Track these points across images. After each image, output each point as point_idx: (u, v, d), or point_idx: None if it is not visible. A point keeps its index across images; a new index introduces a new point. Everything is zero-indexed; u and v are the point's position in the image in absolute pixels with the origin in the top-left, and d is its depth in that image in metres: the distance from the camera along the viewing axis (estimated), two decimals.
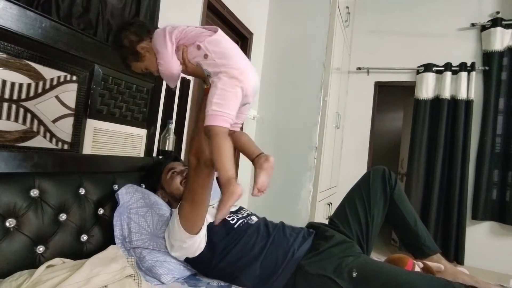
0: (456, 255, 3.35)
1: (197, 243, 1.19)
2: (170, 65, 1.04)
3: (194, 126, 1.14)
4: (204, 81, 1.08)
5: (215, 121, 0.92)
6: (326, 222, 1.57)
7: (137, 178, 1.52)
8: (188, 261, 1.27)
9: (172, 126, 1.87)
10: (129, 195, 1.34)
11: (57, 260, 0.99)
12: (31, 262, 1.02)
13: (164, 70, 1.05)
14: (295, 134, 2.95)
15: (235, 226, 1.26)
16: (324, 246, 1.23)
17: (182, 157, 2.04)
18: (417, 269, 1.25)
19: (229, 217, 1.30)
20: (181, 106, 2.02)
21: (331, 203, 3.39)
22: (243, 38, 2.96)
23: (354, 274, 1.10)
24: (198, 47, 1.01)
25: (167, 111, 1.89)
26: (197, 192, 1.12)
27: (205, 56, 1.00)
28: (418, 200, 3.57)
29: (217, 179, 0.95)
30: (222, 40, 1.03)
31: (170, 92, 1.90)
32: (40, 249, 1.05)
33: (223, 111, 0.92)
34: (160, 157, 1.77)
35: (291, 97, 3.07)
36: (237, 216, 1.32)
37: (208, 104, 0.93)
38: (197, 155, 1.07)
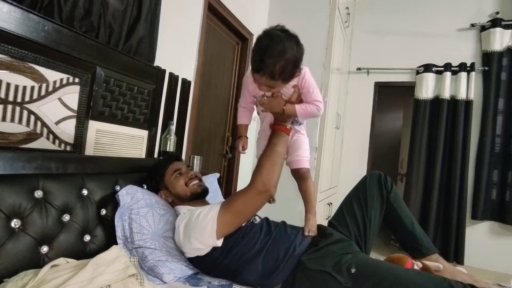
0: (456, 254, 3.36)
1: (214, 240, 1.22)
2: (322, 104, 1.23)
3: (268, 154, 1.22)
4: (279, 120, 1.27)
5: (308, 164, 1.37)
6: (327, 222, 1.59)
7: (139, 179, 1.53)
8: (191, 260, 1.29)
9: (173, 127, 1.89)
10: (130, 196, 1.36)
11: (61, 260, 1.00)
12: (36, 262, 1.03)
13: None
14: None
15: (242, 226, 1.28)
16: (324, 243, 1.26)
17: (183, 157, 2.06)
18: (416, 268, 1.27)
19: None
20: (182, 107, 2.04)
21: (331, 203, 3.40)
22: (243, 39, 2.97)
23: (353, 270, 1.12)
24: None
25: (168, 113, 1.91)
26: (247, 211, 1.23)
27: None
28: (418, 200, 3.59)
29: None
30: None
31: (171, 92, 1.92)
32: (44, 249, 1.07)
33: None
34: (161, 157, 1.78)
35: None
36: None
37: (302, 149, 1.36)
38: (266, 183, 1.17)
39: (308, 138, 1.39)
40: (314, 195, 1.39)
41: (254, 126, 3.18)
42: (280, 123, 1.25)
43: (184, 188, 1.44)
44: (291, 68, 1.09)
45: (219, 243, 1.21)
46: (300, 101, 1.22)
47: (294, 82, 1.17)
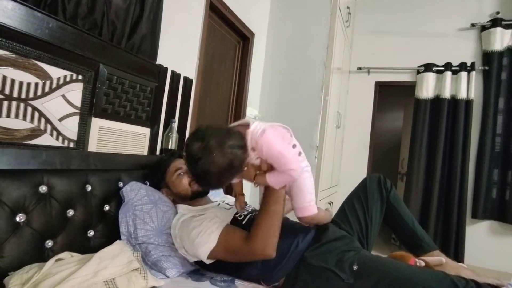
0: (456, 253, 3.37)
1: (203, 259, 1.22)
2: (299, 168, 1.09)
3: (263, 214, 1.15)
4: None
5: (315, 208, 1.19)
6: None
7: (142, 176, 1.55)
8: None
9: (175, 125, 1.90)
10: (134, 192, 1.37)
11: (65, 254, 1.02)
12: (40, 256, 1.04)
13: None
14: (296, 133, 2.91)
15: (243, 223, 1.29)
16: (326, 238, 1.27)
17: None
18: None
19: (240, 217, 1.32)
20: (184, 105, 2.05)
21: (331, 202, 3.41)
22: (244, 38, 2.98)
23: (355, 267, 1.13)
24: (294, 146, 1.11)
25: (170, 111, 1.92)
26: (243, 259, 1.20)
27: (299, 153, 1.13)
28: (419, 199, 3.59)
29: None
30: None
31: (173, 90, 1.93)
32: (49, 243, 1.08)
33: (314, 197, 1.19)
34: (163, 154, 1.79)
35: (292, 97, 3.10)
36: (244, 213, 1.35)
37: (303, 196, 1.16)
38: (264, 247, 1.11)
39: (311, 175, 1.20)
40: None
41: None
42: None
43: (186, 188, 1.44)
44: (229, 175, 1.01)
45: (209, 261, 1.22)
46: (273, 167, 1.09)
47: (256, 154, 1.05)
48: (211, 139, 0.96)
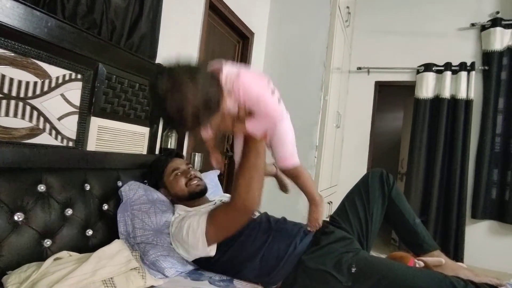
0: (455, 253, 3.37)
1: (207, 251, 1.22)
2: (279, 112, 1.01)
3: (242, 169, 1.10)
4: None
5: (297, 159, 1.13)
6: (327, 220, 1.59)
7: (141, 175, 1.55)
8: None
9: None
10: (132, 192, 1.37)
11: (64, 253, 1.02)
12: (39, 255, 1.04)
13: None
14: (296, 133, 2.94)
15: None
16: (325, 241, 1.25)
17: (184, 154, 2.07)
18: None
19: None
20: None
21: (331, 202, 3.41)
22: (244, 38, 2.98)
23: (353, 270, 1.12)
24: (273, 91, 1.00)
25: None
26: (232, 227, 1.19)
27: (279, 100, 1.03)
28: (418, 199, 3.60)
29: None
30: None
31: None
32: (47, 242, 1.08)
33: (295, 148, 1.13)
34: (162, 154, 1.79)
35: (291, 96, 3.07)
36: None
37: (285, 146, 1.11)
38: (246, 202, 1.08)
39: (290, 124, 1.13)
40: (313, 185, 1.21)
41: None
42: None
43: (182, 189, 1.43)
44: (203, 114, 0.86)
45: (214, 250, 1.22)
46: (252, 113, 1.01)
47: (232, 100, 0.96)
48: (181, 73, 0.84)
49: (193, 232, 1.19)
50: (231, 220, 1.17)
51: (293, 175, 1.18)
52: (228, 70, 0.94)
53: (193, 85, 0.82)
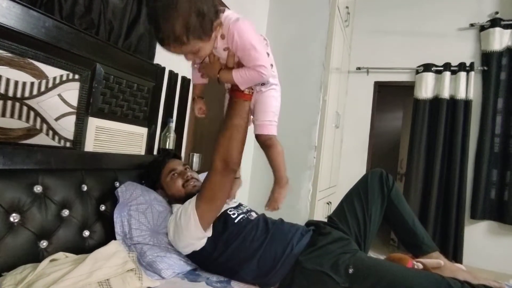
0: (454, 254, 3.36)
1: (205, 238, 1.23)
2: (266, 67, 0.96)
3: (223, 129, 1.10)
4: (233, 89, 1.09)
5: (275, 129, 1.11)
6: (325, 221, 1.59)
7: (138, 175, 1.55)
8: (189, 256, 1.29)
9: (173, 125, 1.89)
10: (129, 192, 1.36)
11: (60, 255, 1.01)
12: (35, 256, 1.04)
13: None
14: (295, 133, 2.96)
15: (236, 221, 1.28)
16: (322, 242, 1.25)
17: (182, 155, 2.06)
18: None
19: (230, 211, 1.32)
20: (181, 105, 2.04)
21: (330, 202, 3.41)
22: None
23: (351, 271, 1.12)
24: (268, 54, 1.00)
25: (167, 110, 1.92)
26: (218, 194, 1.18)
27: (271, 65, 1.01)
28: (417, 199, 3.59)
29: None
30: None
31: (170, 90, 1.92)
32: (44, 244, 1.07)
33: (277, 120, 1.10)
34: (159, 154, 1.79)
35: (290, 97, 3.08)
36: (238, 211, 1.34)
37: (266, 113, 1.09)
38: (226, 160, 1.09)
39: (278, 96, 1.13)
40: (283, 163, 1.16)
41: None
42: (237, 88, 1.05)
43: (179, 190, 1.44)
44: (195, 21, 0.84)
45: (209, 233, 1.22)
46: (241, 65, 1.00)
47: (224, 43, 0.96)
48: None
49: (185, 211, 1.20)
50: (214, 186, 1.15)
51: (266, 144, 1.14)
52: (229, 13, 0.95)
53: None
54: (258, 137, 1.14)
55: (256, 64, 0.95)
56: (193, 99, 1.19)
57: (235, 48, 0.95)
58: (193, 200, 1.20)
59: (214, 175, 1.14)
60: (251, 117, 1.16)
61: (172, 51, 0.92)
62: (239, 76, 0.98)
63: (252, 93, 1.09)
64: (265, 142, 1.14)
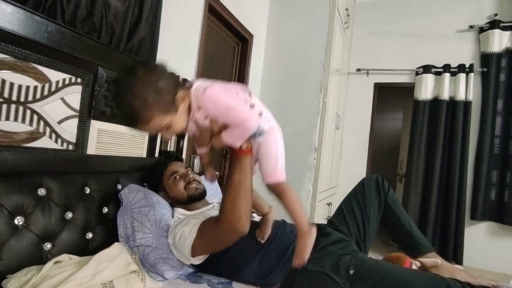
0: (454, 255, 3.37)
1: (190, 261, 1.25)
2: (254, 117, 0.95)
3: (227, 188, 1.07)
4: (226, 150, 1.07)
5: (283, 175, 1.03)
6: (325, 223, 1.61)
7: (140, 178, 1.56)
8: None
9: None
10: (132, 195, 1.37)
11: (64, 257, 1.03)
12: (39, 258, 1.05)
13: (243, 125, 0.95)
14: (295, 135, 2.98)
15: None
16: (323, 243, 1.26)
17: (184, 157, 2.07)
18: (414, 268, 1.28)
19: None
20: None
21: (330, 203, 3.42)
22: (243, 40, 2.99)
23: (351, 272, 1.13)
24: (252, 106, 0.98)
25: None
26: (219, 246, 1.19)
27: (260, 114, 0.99)
28: (417, 200, 3.60)
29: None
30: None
31: None
32: (48, 246, 1.08)
33: (284, 164, 1.03)
34: (161, 157, 1.80)
35: (291, 98, 3.10)
36: None
37: (268, 160, 1.02)
38: (232, 222, 1.05)
39: (279, 139, 1.06)
40: (300, 210, 1.07)
41: None
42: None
43: (182, 192, 1.44)
44: (152, 99, 0.86)
45: (198, 261, 1.24)
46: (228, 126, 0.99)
47: (203, 113, 0.97)
48: (138, 66, 0.89)
49: (184, 240, 1.20)
50: (217, 239, 1.15)
51: (277, 193, 1.07)
52: (198, 84, 0.95)
53: (145, 77, 0.86)
54: (267, 187, 1.08)
55: (239, 121, 0.95)
56: (203, 167, 1.17)
57: (214, 115, 0.97)
58: (194, 233, 1.18)
59: (219, 231, 1.11)
60: (256, 168, 1.13)
61: (143, 130, 0.93)
62: (228, 138, 0.98)
63: (251, 146, 1.05)
64: (274, 190, 1.07)
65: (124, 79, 0.88)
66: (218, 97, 0.94)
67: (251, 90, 1.04)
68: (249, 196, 1.07)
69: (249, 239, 1.25)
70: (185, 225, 1.24)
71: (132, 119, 0.89)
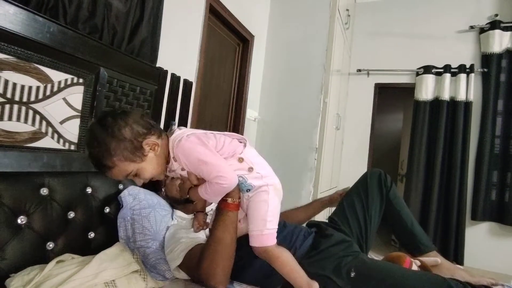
0: (455, 255, 3.37)
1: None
2: (229, 174, 0.91)
3: (208, 240, 1.02)
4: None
5: (271, 240, 0.97)
6: (326, 221, 1.60)
7: None
8: None
9: (175, 128, 1.90)
10: (132, 197, 1.38)
11: (66, 256, 1.03)
12: (42, 257, 1.06)
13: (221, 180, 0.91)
14: (296, 135, 2.98)
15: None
16: (324, 245, 1.26)
17: None
18: (415, 267, 1.28)
19: None
20: (184, 108, 2.06)
21: None
22: (244, 41, 3.00)
23: (352, 274, 1.13)
24: (241, 160, 0.95)
25: (169, 113, 1.93)
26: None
27: (250, 169, 0.95)
28: (418, 201, 3.61)
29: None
30: (253, 149, 1.00)
31: (173, 93, 1.94)
32: (50, 245, 1.09)
33: (275, 227, 0.97)
34: None
35: (291, 99, 3.11)
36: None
37: (255, 221, 0.96)
38: (208, 276, 0.99)
39: (272, 197, 0.99)
40: (298, 272, 1.01)
41: (255, 127, 3.21)
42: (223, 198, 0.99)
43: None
44: (116, 146, 0.88)
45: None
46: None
47: (179, 165, 0.95)
48: (109, 115, 0.92)
49: (172, 260, 1.17)
50: (196, 280, 1.11)
51: (264, 257, 1.00)
52: (178, 134, 0.95)
53: (110, 125, 0.88)
54: (254, 250, 1.01)
55: (212, 177, 0.91)
56: (188, 203, 1.15)
57: (188, 168, 0.95)
58: (180, 258, 1.14)
59: (197, 274, 1.02)
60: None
61: (110, 176, 0.93)
62: (204, 193, 0.94)
63: (239, 202, 0.99)
64: (261, 255, 1.00)
65: (93, 127, 0.91)
66: (191, 150, 0.91)
67: (247, 142, 1.01)
68: (230, 253, 1.00)
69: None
70: (177, 243, 1.20)
71: (97, 166, 0.91)
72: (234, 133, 1.03)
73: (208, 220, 1.17)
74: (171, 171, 1.01)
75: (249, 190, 0.97)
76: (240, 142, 1.01)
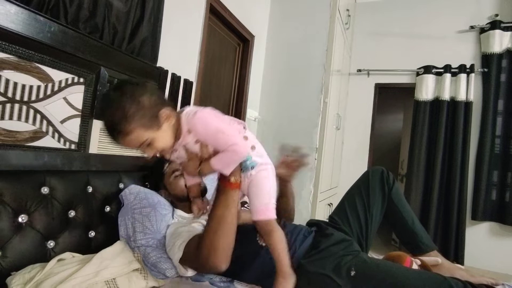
0: (456, 255, 3.37)
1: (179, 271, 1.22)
2: (244, 143, 0.94)
3: (208, 220, 1.03)
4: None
5: (274, 213, 0.98)
6: (327, 221, 1.60)
7: (142, 177, 1.57)
8: None
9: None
10: (133, 196, 1.38)
11: (67, 254, 1.03)
12: (42, 256, 1.06)
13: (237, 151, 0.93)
14: (296, 135, 2.98)
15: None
16: (324, 244, 1.26)
17: None
18: (415, 266, 1.28)
19: None
20: (184, 106, 2.06)
21: (331, 204, 3.42)
22: (244, 41, 3.00)
23: (352, 273, 1.12)
24: (245, 138, 0.97)
25: None
26: (200, 271, 1.18)
27: (253, 147, 0.99)
28: (418, 201, 3.61)
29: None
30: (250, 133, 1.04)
31: (173, 93, 1.95)
32: (51, 244, 1.09)
33: (274, 202, 1.00)
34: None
35: (292, 99, 3.11)
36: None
37: (260, 196, 0.98)
38: (208, 257, 0.99)
39: (271, 175, 1.03)
40: (284, 251, 1.01)
41: (255, 126, 3.21)
42: (225, 176, 1.00)
43: (182, 189, 1.44)
44: (134, 111, 0.87)
45: (188, 273, 1.21)
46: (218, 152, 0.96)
47: (193, 137, 0.96)
48: (125, 83, 0.94)
49: (173, 255, 1.18)
50: (197, 265, 1.12)
51: (266, 230, 1.01)
52: (189, 109, 0.96)
53: (129, 91, 0.87)
54: (256, 224, 1.02)
55: (228, 145, 0.92)
56: (190, 201, 1.12)
57: (204, 138, 0.95)
58: (180, 251, 1.15)
59: (197, 262, 1.05)
60: (242, 205, 1.10)
61: (124, 144, 0.91)
62: (217, 162, 0.94)
63: (240, 181, 1.01)
64: (263, 228, 1.01)
65: (110, 93, 0.91)
66: (209, 119, 0.94)
67: (246, 125, 1.03)
68: (230, 232, 1.01)
69: (250, 241, 1.26)
70: (177, 238, 1.21)
71: (112, 131, 0.89)
72: (232, 117, 1.04)
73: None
74: (179, 148, 0.99)
75: (253, 167, 0.99)
76: (240, 124, 1.03)
